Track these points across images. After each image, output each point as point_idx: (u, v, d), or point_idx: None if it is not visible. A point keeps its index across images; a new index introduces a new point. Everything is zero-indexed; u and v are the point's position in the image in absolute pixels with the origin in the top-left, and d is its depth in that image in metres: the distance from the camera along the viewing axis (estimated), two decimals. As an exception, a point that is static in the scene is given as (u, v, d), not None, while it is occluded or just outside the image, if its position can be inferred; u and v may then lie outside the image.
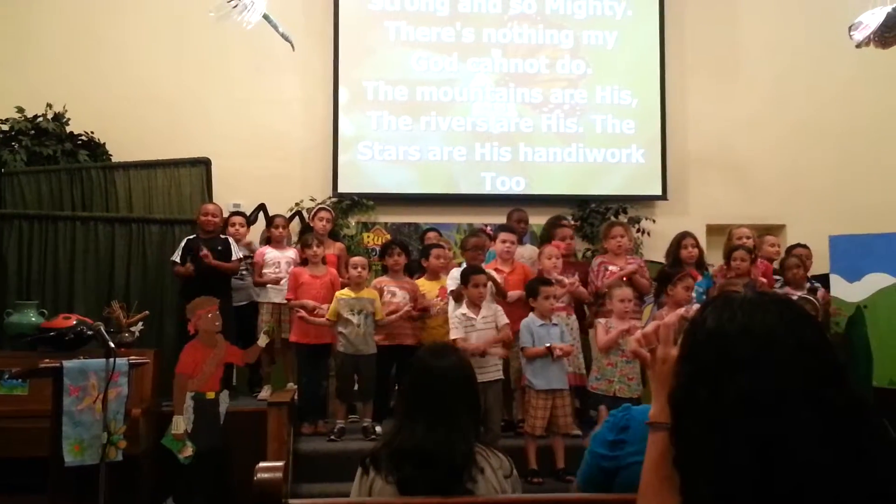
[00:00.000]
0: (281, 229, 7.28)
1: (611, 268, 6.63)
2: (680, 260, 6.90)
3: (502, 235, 6.70)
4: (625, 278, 6.57)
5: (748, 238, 7.31)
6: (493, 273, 6.26)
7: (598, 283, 6.67)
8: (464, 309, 5.97)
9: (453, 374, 2.69)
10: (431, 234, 7.65)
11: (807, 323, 1.37)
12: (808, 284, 7.13)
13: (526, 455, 5.70)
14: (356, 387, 6.31)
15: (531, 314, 5.97)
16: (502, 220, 7.83)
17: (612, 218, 9.26)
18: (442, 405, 2.60)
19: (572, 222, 8.31)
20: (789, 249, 7.17)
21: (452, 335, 5.93)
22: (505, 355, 6.04)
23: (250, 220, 8.13)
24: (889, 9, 7.01)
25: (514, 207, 7.81)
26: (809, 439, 1.26)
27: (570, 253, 7.20)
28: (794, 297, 5.89)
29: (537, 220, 8.18)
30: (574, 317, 6.48)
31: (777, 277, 7.28)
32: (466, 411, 2.64)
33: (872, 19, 7.06)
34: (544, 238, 7.23)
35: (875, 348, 6.64)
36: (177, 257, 6.94)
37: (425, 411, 2.60)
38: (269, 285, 6.95)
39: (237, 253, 7.09)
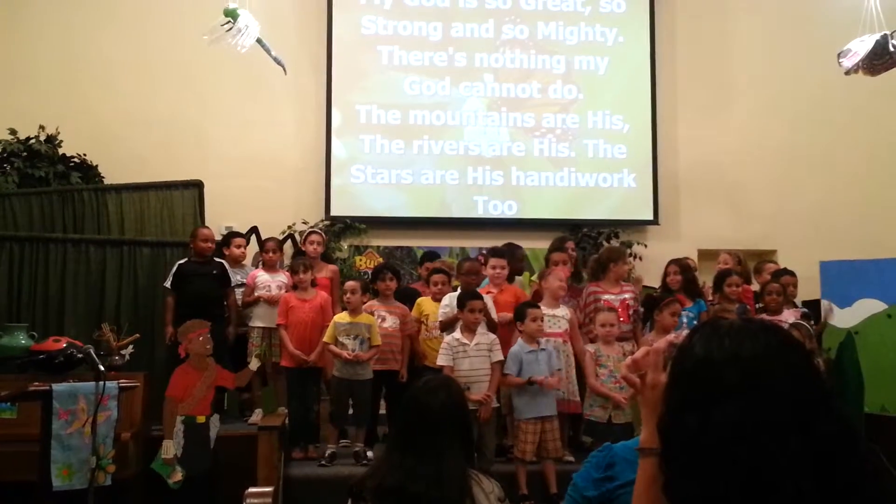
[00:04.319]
0: (272, 253, 7.24)
1: (605, 297, 6.59)
2: (666, 286, 6.92)
3: (492, 261, 6.70)
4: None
5: (726, 263, 7.37)
6: (487, 298, 6.25)
7: (586, 312, 6.62)
8: (457, 334, 5.94)
9: (446, 410, 2.66)
10: (440, 263, 7.56)
11: (795, 350, 1.38)
12: (798, 310, 7.11)
13: (517, 480, 5.68)
14: (350, 411, 6.28)
15: (519, 340, 5.95)
16: (495, 243, 7.81)
17: (605, 243, 9.28)
18: (433, 443, 2.57)
19: (571, 248, 8.26)
20: (775, 275, 7.16)
21: (440, 361, 5.89)
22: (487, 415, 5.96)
23: (243, 243, 8.13)
24: (877, 36, 7.08)
25: (511, 242, 7.62)
26: (797, 468, 1.25)
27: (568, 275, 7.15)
28: (787, 323, 5.89)
29: (529, 244, 8.19)
30: (570, 344, 6.42)
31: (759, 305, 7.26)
32: (459, 447, 2.61)
33: (861, 47, 7.13)
34: (548, 261, 7.21)
35: (866, 374, 6.64)
36: (168, 283, 6.92)
37: (415, 448, 2.58)
38: (258, 310, 6.90)
39: (234, 277, 7.07)
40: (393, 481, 2.52)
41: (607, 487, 1.82)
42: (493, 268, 6.65)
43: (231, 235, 7.56)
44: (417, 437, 2.60)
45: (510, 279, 6.99)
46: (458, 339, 5.90)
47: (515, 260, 7.23)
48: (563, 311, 6.38)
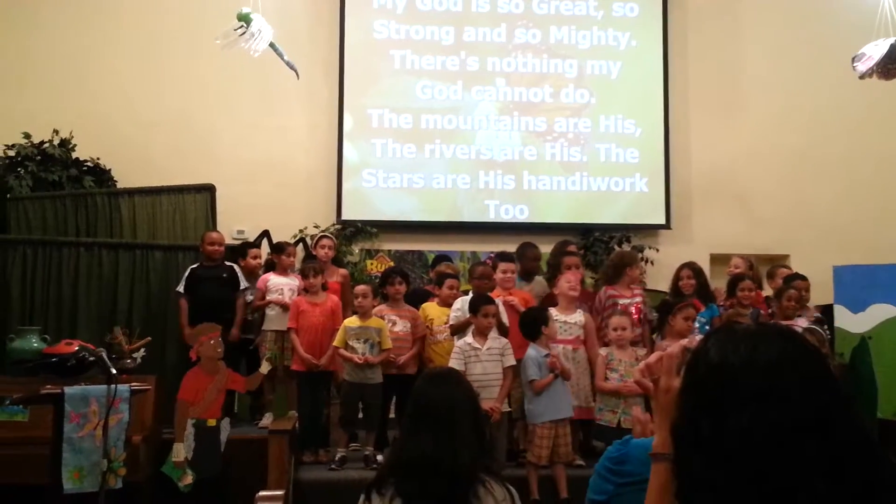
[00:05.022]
0: (293, 257, 7.28)
1: (621, 301, 6.57)
2: (679, 290, 6.88)
3: (502, 265, 6.69)
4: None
5: (737, 268, 7.34)
6: (499, 302, 6.23)
7: (604, 315, 6.58)
8: (469, 338, 5.92)
9: (455, 396, 2.68)
10: (445, 266, 7.58)
11: (810, 355, 1.36)
12: (812, 315, 7.07)
13: (528, 485, 5.66)
14: (360, 415, 6.28)
15: (534, 345, 5.90)
16: (506, 247, 7.80)
17: (616, 247, 9.25)
18: (445, 420, 2.58)
19: (578, 250, 8.28)
20: (788, 280, 7.13)
21: (452, 365, 5.87)
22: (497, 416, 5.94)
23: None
24: (892, 40, 7.04)
25: (527, 242, 7.68)
26: (813, 475, 1.24)
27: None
28: (800, 328, 5.85)
29: (541, 248, 8.16)
30: (581, 350, 6.38)
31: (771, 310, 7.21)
32: (470, 427, 2.62)
33: (876, 51, 7.09)
34: (552, 266, 7.20)
35: (879, 379, 6.61)
36: (181, 287, 6.92)
37: (429, 426, 2.59)
38: (270, 312, 6.90)
39: (244, 282, 7.07)
40: (416, 453, 2.54)
41: (615, 481, 1.81)
42: (504, 272, 6.64)
43: (246, 246, 7.55)
44: (431, 416, 2.62)
45: (529, 278, 7.01)
46: (469, 344, 5.88)
47: (528, 259, 7.23)
48: (578, 318, 6.34)
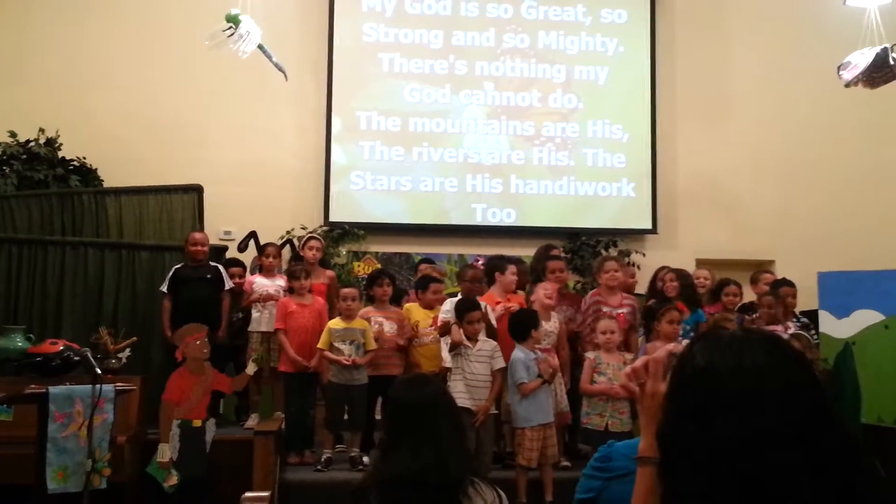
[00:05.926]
0: (272, 258, 7.25)
1: (604, 308, 6.58)
2: (663, 294, 6.90)
3: (512, 268, 6.72)
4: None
5: (706, 279, 7.40)
6: (489, 308, 6.23)
7: (587, 321, 6.60)
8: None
9: (431, 400, 2.64)
10: (425, 266, 7.61)
11: (795, 361, 1.37)
12: (795, 321, 7.10)
13: (516, 488, 5.67)
14: (345, 416, 6.27)
15: (521, 347, 5.91)
16: (493, 251, 7.82)
17: (603, 251, 9.29)
18: (424, 428, 2.54)
19: (563, 254, 8.30)
20: (775, 285, 7.17)
21: (446, 364, 5.93)
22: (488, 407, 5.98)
23: (240, 248, 8.11)
24: (877, 49, 7.08)
25: (515, 260, 7.69)
26: (797, 480, 1.25)
27: (562, 284, 7.13)
28: (786, 334, 5.89)
29: (528, 252, 8.18)
30: (556, 358, 6.39)
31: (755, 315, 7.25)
32: (451, 431, 2.59)
33: (861, 59, 7.13)
34: (535, 270, 7.21)
35: (863, 385, 6.65)
36: (165, 287, 6.89)
37: (408, 436, 2.55)
38: (256, 314, 6.88)
39: (228, 282, 7.05)
40: (396, 471, 2.49)
41: (602, 477, 1.83)
42: (514, 273, 6.68)
43: (228, 264, 7.49)
44: (409, 426, 2.57)
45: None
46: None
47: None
48: (554, 325, 6.36)
